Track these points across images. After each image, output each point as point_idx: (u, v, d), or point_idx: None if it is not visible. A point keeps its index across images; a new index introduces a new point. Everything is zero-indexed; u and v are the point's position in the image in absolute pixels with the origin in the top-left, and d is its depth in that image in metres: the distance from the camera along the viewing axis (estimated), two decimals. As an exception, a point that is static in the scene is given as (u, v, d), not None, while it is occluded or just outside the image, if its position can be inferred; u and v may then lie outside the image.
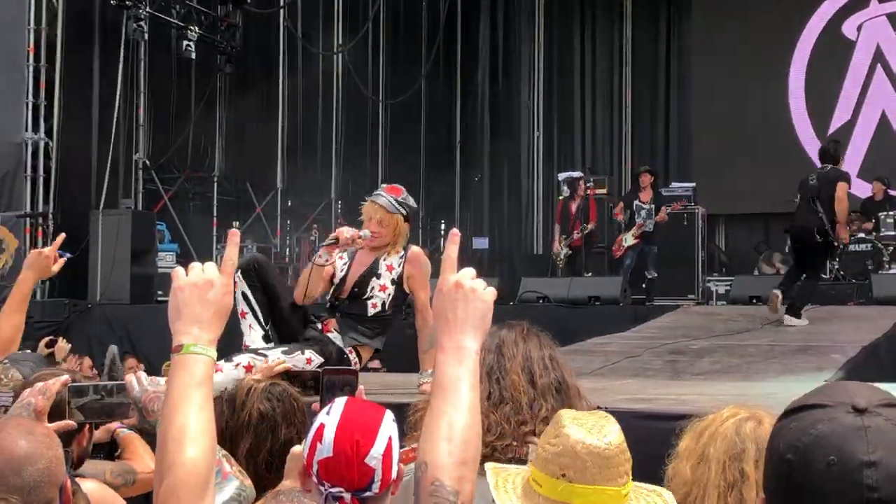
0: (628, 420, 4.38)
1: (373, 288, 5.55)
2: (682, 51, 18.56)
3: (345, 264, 5.64)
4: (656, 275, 13.53)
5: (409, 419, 2.49)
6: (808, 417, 1.39)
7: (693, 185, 15.75)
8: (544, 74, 19.88)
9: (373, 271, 5.58)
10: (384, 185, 5.91)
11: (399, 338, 11.75)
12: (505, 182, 19.85)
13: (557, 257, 14.59)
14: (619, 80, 19.24)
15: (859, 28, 17.18)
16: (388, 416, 1.92)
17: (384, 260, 5.59)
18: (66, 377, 2.52)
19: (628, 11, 19.31)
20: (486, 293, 1.96)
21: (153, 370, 10.51)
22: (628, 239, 13.49)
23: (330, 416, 1.89)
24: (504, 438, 2.35)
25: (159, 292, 12.95)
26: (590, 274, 14.45)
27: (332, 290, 5.65)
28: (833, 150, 10.06)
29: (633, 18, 19.27)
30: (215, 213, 14.97)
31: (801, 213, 9.89)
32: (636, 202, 13.65)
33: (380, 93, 18.45)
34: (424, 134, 19.37)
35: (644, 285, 13.58)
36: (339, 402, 1.94)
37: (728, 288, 13.68)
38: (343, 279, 5.60)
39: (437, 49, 19.36)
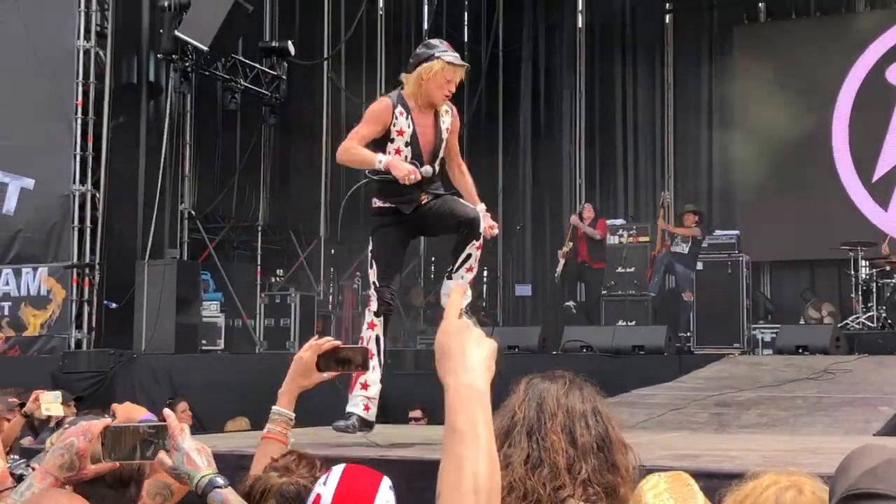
0: (673, 478, 4.35)
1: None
2: (725, 96, 18.51)
3: (408, 125, 5.65)
4: (693, 297, 13.67)
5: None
6: None
7: (737, 233, 15.65)
8: (586, 122, 19.91)
9: (440, 138, 5.80)
10: (437, 40, 5.96)
11: (440, 389, 11.70)
12: (547, 229, 19.85)
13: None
14: (662, 127, 19.23)
15: (904, 74, 17.09)
16: (385, 483, 1.91)
17: (443, 124, 5.83)
18: (108, 419, 2.53)
19: (669, 59, 19.33)
20: (490, 340, 1.89)
21: (198, 419, 10.56)
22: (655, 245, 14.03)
23: (326, 487, 1.88)
24: (540, 504, 2.32)
25: (203, 341, 13.05)
26: (633, 322, 14.38)
27: (403, 150, 5.63)
28: None
29: (674, 65, 19.29)
30: (259, 262, 15.09)
31: None
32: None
33: (421, 142, 18.52)
34: (467, 182, 19.43)
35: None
36: (336, 471, 1.92)
37: (774, 336, 13.54)
38: (415, 142, 5.66)
39: (480, 96, 19.48)
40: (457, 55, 5.75)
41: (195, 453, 2.39)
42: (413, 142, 5.70)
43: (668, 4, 19.56)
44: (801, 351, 10.98)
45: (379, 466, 4.72)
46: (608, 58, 19.56)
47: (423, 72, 5.60)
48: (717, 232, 16.01)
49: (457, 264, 5.70)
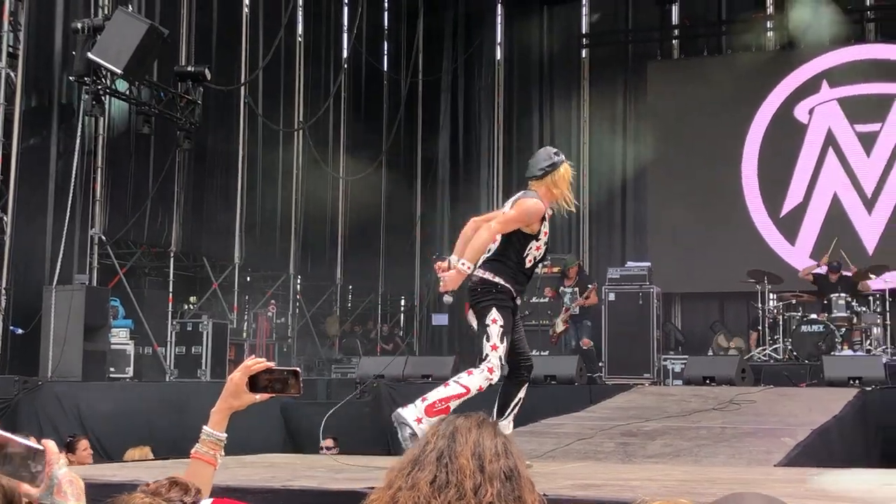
0: (572, 509, 4.39)
1: None
2: (639, 132, 18.85)
3: (547, 228, 6.21)
4: (591, 343, 13.89)
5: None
6: None
7: (648, 264, 15.88)
8: (504, 152, 20.11)
9: None
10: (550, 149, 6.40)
11: (353, 418, 11.66)
12: (464, 259, 19.91)
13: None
14: (577, 159, 19.45)
15: (811, 112, 17.57)
16: None
17: None
18: None
19: (585, 94, 19.64)
20: None
21: (104, 449, 10.36)
22: (559, 325, 13.98)
23: None
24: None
25: (112, 369, 12.81)
26: (546, 352, 14.49)
27: (542, 248, 6.19)
28: None
29: (590, 102, 19.60)
30: (171, 289, 14.89)
31: None
32: (561, 287, 14.37)
33: (340, 169, 18.54)
34: (384, 210, 19.47)
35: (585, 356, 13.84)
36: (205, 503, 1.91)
37: (683, 366, 13.75)
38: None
39: (399, 125, 19.56)
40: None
41: (67, 484, 2.35)
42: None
43: (584, 39, 19.87)
44: (708, 382, 11.18)
45: (279, 498, 4.70)
46: (526, 89, 19.81)
47: (558, 178, 6.16)
48: (629, 263, 16.24)
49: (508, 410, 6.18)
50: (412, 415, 5.73)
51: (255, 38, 16.32)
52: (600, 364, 14.26)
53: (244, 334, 16.45)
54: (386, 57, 20.37)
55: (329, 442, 10.54)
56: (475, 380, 5.89)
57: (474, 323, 6.15)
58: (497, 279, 6.03)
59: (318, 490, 4.85)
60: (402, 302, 20.77)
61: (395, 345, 18.70)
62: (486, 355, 5.94)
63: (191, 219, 15.02)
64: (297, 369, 2.88)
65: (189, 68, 14.14)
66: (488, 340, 5.96)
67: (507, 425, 6.05)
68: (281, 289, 17.24)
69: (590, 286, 14.29)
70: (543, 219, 6.13)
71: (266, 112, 16.45)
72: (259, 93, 16.47)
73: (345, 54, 18.76)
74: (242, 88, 15.98)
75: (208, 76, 14.11)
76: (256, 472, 5.60)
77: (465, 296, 6.22)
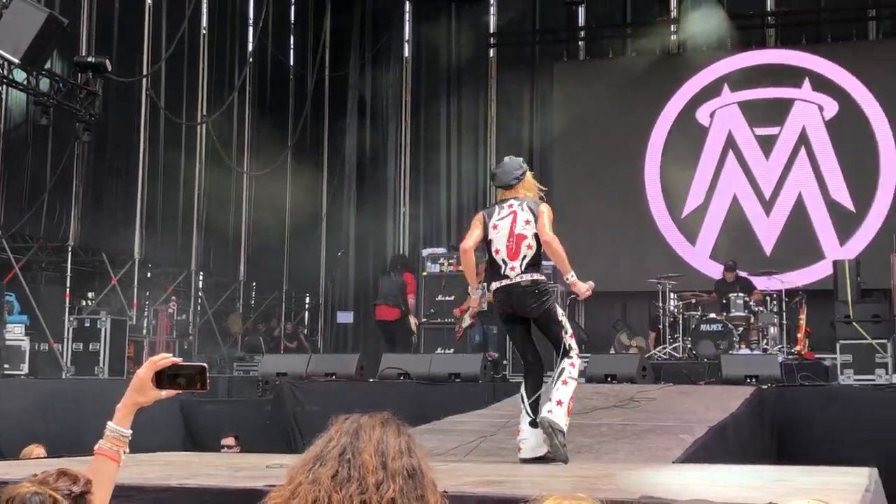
0: (473, 506, 4.39)
1: None
2: (545, 133, 18.98)
3: None
4: (496, 355, 13.89)
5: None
6: None
7: (552, 263, 15.98)
8: (411, 150, 20.09)
9: None
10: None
11: (255, 416, 11.53)
12: (370, 256, 19.86)
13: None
14: (484, 157, 19.56)
15: (712, 115, 17.90)
16: None
17: None
18: None
19: (493, 93, 19.72)
20: None
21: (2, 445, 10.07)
22: (465, 320, 13.89)
23: None
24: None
25: (6, 366, 12.47)
26: (451, 350, 14.51)
27: None
28: None
29: (497, 97, 19.68)
30: (69, 284, 14.53)
31: None
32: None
33: (245, 164, 18.32)
34: (289, 206, 19.29)
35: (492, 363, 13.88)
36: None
37: (586, 365, 13.88)
38: None
39: (305, 121, 19.40)
40: None
41: None
42: None
43: (492, 38, 19.94)
44: (609, 379, 11.32)
45: (177, 496, 4.60)
46: (433, 87, 19.80)
47: (527, 184, 6.95)
48: (534, 262, 16.33)
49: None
50: (562, 420, 6.49)
51: (157, 30, 16.01)
52: (504, 363, 14.33)
53: (144, 331, 16.14)
54: (292, 52, 20.19)
55: (230, 440, 10.41)
56: (578, 367, 6.84)
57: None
58: (543, 279, 6.82)
59: (217, 489, 4.76)
60: (307, 299, 20.61)
61: (299, 343, 18.54)
62: (569, 345, 6.76)
63: (90, 213, 14.67)
64: (204, 366, 2.86)
65: (89, 59, 13.80)
66: (566, 333, 6.76)
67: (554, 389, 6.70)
68: (182, 285, 16.97)
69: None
70: None
71: (168, 105, 16.17)
72: (161, 85, 16.18)
73: (250, 48, 18.54)
74: (144, 80, 15.67)
75: (109, 67, 13.79)
76: (153, 471, 5.48)
77: (511, 297, 6.77)
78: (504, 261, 6.70)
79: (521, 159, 7.05)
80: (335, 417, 2.44)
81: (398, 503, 2.27)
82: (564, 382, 6.63)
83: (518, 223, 6.70)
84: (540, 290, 6.69)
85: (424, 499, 2.33)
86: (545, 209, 6.74)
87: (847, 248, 16.59)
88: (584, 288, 6.86)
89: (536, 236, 6.66)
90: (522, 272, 6.65)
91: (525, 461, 6.56)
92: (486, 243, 6.85)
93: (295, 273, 19.60)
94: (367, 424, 2.41)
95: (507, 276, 6.69)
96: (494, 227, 6.79)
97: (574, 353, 6.78)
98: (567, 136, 18.22)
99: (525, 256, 6.67)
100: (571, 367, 6.70)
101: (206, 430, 11.42)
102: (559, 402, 6.51)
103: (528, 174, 6.93)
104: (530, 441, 6.64)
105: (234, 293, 18.29)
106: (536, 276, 6.66)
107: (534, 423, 6.62)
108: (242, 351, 17.44)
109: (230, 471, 5.62)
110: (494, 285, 6.80)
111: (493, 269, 6.82)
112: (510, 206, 6.81)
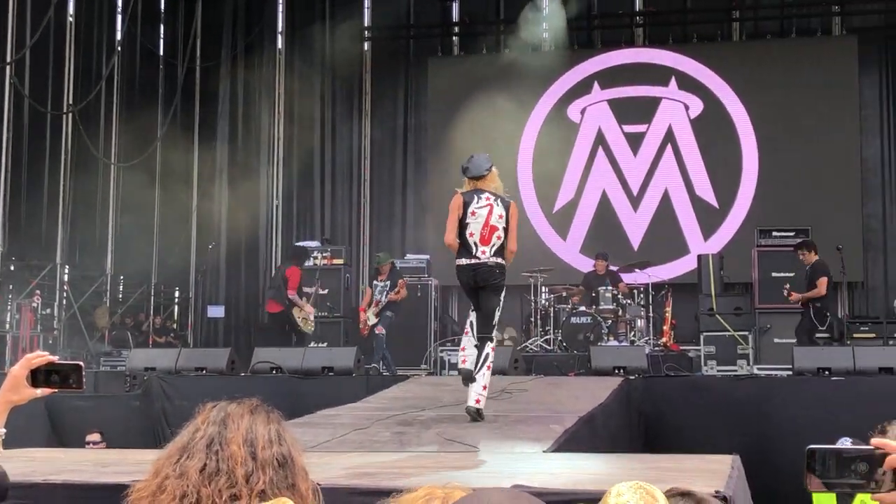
0: (346, 497, 4.39)
1: None
2: (420, 126, 19.05)
3: None
4: (384, 332, 13.74)
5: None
6: None
7: (427, 257, 16.08)
8: (283, 143, 19.91)
9: None
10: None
11: (122, 411, 11.28)
12: (242, 249, 19.62)
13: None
14: (359, 150, 19.52)
15: (583, 112, 18.22)
16: None
17: None
18: None
19: (367, 85, 19.69)
20: None
21: None
22: (370, 318, 13.77)
23: None
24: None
25: None
26: (325, 344, 14.44)
27: None
28: None
29: (372, 91, 19.66)
30: (-75, 278, 14.01)
31: None
32: (374, 281, 14.01)
33: (112, 155, 17.89)
34: (159, 198, 18.91)
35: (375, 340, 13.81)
36: None
37: (459, 358, 14.00)
38: None
39: (175, 113, 19.04)
40: None
41: None
42: None
43: (366, 32, 19.90)
44: (482, 371, 11.38)
45: (40, 492, 4.48)
46: (308, 80, 19.63)
47: (496, 174, 8.05)
48: (409, 256, 16.41)
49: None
50: (483, 403, 7.86)
51: (22, 16, 15.51)
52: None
53: (7, 325, 15.63)
54: (162, 41, 19.80)
55: (95, 436, 10.17)
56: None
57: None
58: (504, 263, 8.03)
59: (82, 484, 4.66)
60: (177, 293, 20.25)
61: (167, 338, 18.21)
62: (495, 324, 8.11)
63: (-52, 203, 14.16)
64: (80, 363, 2.83)
65: (-52, 44, 13.32)
66: (499, 311, 8.13)
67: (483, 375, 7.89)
68: (47, 278, 16.47)
69: (400, 280, 14.14)
70: None
71: (33, 94, 15.69)
72: (26, 73, 15.69)
73: (118, 36, 18.11)
74: (8, 68, 15.17)
75: (-31, 53, 13.33)
76: (15, 467, 5.32)
77: (477, 273, 7.97)
78: (476, 244, 7.89)
79: (487, 155, 8.16)
80: (202, 405, 2.41)
81: (269, 494, 2.25)
82: (488, 367, 7.94)
83: (493, 216, 7.88)
84: (500, 271, 8.02)
85: (295, 487, 2.32)
86: (515, 212, 7.98)
87: (711, 243, 17.09)
88: None
89: (505, 230, 7.90)
90: (491, 256, 7.90)
91: (466, 376, 7.87)
92: (460, 225, 7.89)
93: (164, 266, 19.23)
94: (234, 413, 2.38)
95: (476, 257, 7.91)
96: (473, 213, 7.87)
97: (496, 339, 8.19)
98: (442, 130, 18.30)
99: (494, 245, 7.89)
100: (492, 351, 8.02)
101: (72, 426, 11.13)
102: (484, 387, 7.86)
103: (494, 169, 8.00)
104: (472, 357, 7.94)
105: (100, 286, 17.85)
106: (500, 261, 7.97)
107: (477, 347, 7.96)
108: (109, 345, 17.04)
109: (96, 466, 5.50)
110: (464, 261, 7.96)
111: (464, 248, 7.92)
112: (487, 199, 7.90)
